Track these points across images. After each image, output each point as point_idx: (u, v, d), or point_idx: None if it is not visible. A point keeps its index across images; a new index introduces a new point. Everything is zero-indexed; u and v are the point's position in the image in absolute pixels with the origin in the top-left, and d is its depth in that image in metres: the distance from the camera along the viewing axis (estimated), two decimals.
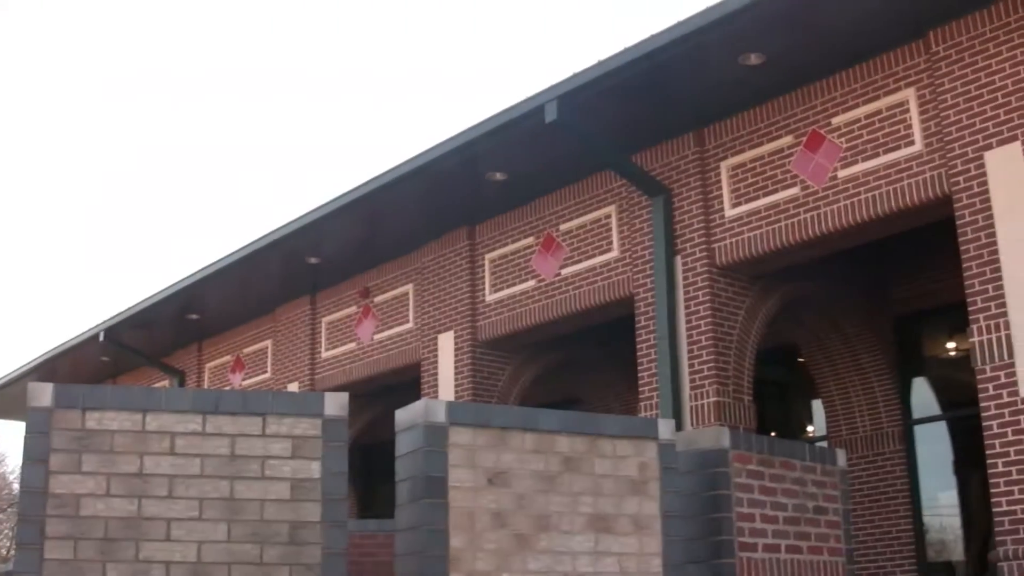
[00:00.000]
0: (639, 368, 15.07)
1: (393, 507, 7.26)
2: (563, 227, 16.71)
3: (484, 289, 17.91)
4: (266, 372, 22.90)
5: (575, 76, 13.80)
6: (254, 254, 19.67)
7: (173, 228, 77.90)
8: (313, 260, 19.95)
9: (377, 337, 19.95)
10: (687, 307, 14.61)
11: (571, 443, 7.38)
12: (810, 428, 18.82)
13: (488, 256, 17.92)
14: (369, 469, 24.54)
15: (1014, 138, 11.86)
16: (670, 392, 14.43)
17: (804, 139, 13.86)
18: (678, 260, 14.83)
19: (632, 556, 7.40)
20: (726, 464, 8.26)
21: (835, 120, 13.60)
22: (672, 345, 14.58)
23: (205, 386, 24.37)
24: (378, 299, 20.07)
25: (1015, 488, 11.33)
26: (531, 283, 17.06)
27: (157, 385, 25.11)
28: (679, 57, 13.24)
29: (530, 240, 17.23)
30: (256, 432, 6.73)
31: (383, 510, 21.83)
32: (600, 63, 13.61)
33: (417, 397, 17.55)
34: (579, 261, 16.39)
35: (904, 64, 13.07)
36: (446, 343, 18.26)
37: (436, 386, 18.25)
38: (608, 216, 16.12)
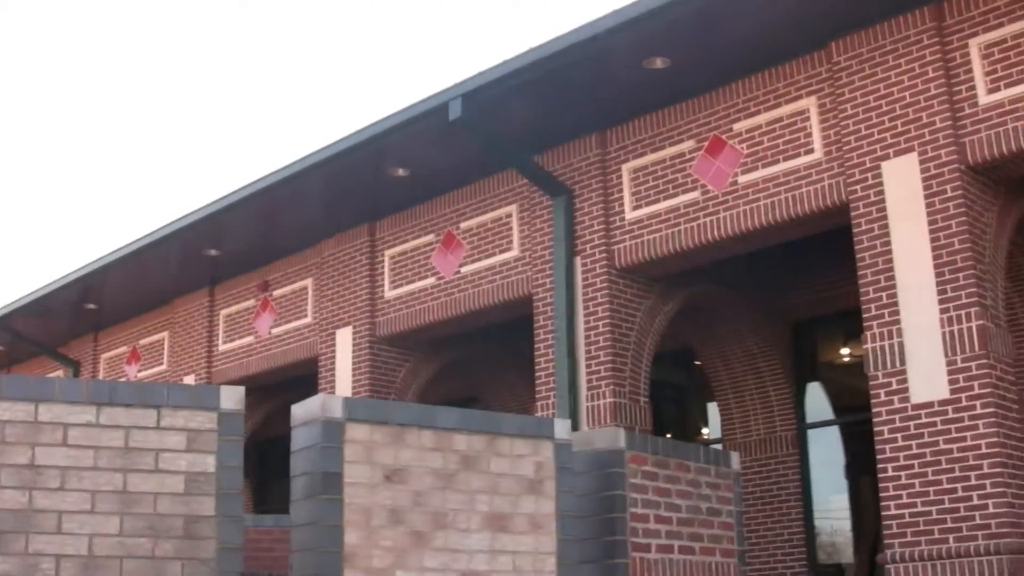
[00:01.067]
0: (536, 367, 15.11)
1: (288, 502, 7.21)
2: (464, 225, 16.72)
3: (383, 285, 17.86)
4: (162, 364, 22.66)
5: (480, 74, 13.81)
6: (152, 244, 19.44)
7: (74, 217, 76.91)
8: (212, 252, 19.77)
9: (275, 331, 19.82)
10: (585, 308, 14.68)
11: (469, 441, 7.38)
12: (705, 431, 18.98)
13: (388, 252, 17.88)
14: (264, 464, 24.38)
15: (911, 149, 12.05)
16: (567, 392, 14.48)
17: (705, 144, 13.98)
18: (578, 261, 14.89)
19: (527, 555, 7.42)
20: (621, 465, 8.30)
21: (736, 126, 13.73)
22: (570, 345, 14.64)
23: (100, 377, 24.09)
24: (277, 293, 19.95)
25: (904, 492, 11.51)
26: (430, 280, 17.05)
27: (51, 375, 24.76)
28: (584, 59, 13.30)
29: (430, 237, 17.21)
30: (151, 425, 6.65)
31: (278, 505, 21.69)
32: (505, 62, 13.63)
33: (314, 392, 17.47)
34: (479, 259, 16.40)
35: (806, 73, 13.23)
36: (344, 338, 18.19)
37: (333, 381, 18.17)
38: (509, 215, 16.15)
